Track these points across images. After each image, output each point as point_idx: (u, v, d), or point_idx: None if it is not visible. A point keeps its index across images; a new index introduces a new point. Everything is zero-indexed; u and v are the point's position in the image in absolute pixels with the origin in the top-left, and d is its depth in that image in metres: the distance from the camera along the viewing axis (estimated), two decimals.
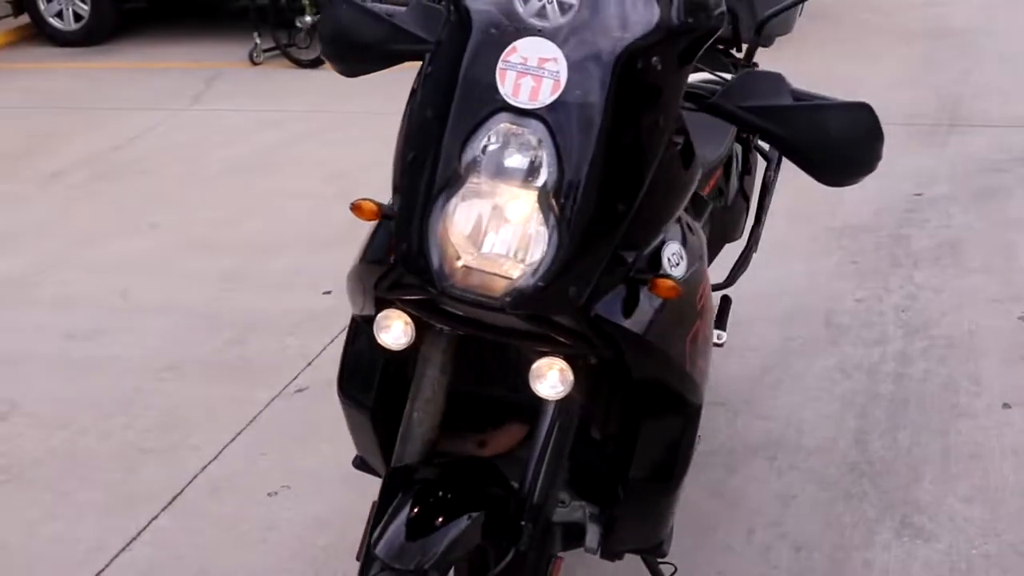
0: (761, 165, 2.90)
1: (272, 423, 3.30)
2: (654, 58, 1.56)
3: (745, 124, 1.79)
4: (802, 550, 2.64)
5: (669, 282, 1.63)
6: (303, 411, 3.35)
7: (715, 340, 2.67)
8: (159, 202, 5.23)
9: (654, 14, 1.57)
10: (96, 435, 3.29)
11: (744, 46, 2.90)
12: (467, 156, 1.56)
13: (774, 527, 2.73)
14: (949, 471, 2.90)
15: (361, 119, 6.23)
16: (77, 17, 8.56)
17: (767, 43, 2.87)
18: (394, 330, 1.73)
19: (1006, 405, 3.17)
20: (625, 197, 1.57)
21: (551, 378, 1.67)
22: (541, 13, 1.57)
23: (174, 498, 2.97)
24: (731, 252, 2.92)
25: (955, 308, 3.76)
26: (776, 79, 1.79)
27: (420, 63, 1.72)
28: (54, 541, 2.84)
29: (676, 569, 2.38)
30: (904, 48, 7.32)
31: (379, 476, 2.06)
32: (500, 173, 1.55)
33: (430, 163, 1.58)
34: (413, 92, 1.69)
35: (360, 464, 2.15)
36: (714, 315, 1.95)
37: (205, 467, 3.09)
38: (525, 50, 1.55)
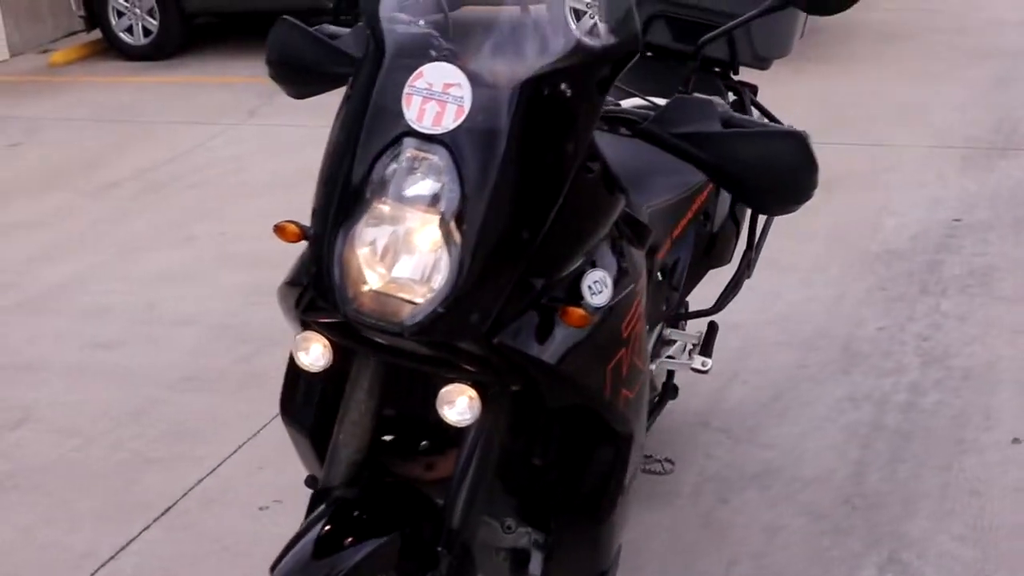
0: None
1: (273, 437, 3.32)
2: (562, 84, 1.56)
3: (675, 150, 1.77)
4: None
5: (579, 311, 1.62)
6: None
7: (699, 367, 2.66)
8: (201, 215, 5.33)
9: (563, 41, 1.57)
10: (105, 444, 3.36)
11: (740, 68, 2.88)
12: (373, 180, 1.57)
13: (756, 559, 2.69)
14: (945, 507, 2.82)
15: None
16: (146, 32, 8.76)
17: (764, 66, 2.84)
18: (312, 352, 1.75)
19: (1016, 440, 3.08)
20: (530, 225, 1.56)
21: (459, 404, 1.67)
22: (449, 38, 1.58)
23: (167, 509, 3.01)
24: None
25: (978, 338, 3.66)
26: (707, 105, 1.78)
27: None
28: (46, 547, 2.90)
29: None
30: (972, 70, 7.16)
31: None
32: (405, 198, 1.56)
33: (340, 186, 1.59)
34: (336, 115, 1.70)
35: (311, 482, 2.16)
36: (646, 344, 1.92)
37: (202, 480, 3.14)
38: (431, 75, 1.56)
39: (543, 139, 1.56)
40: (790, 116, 6.56)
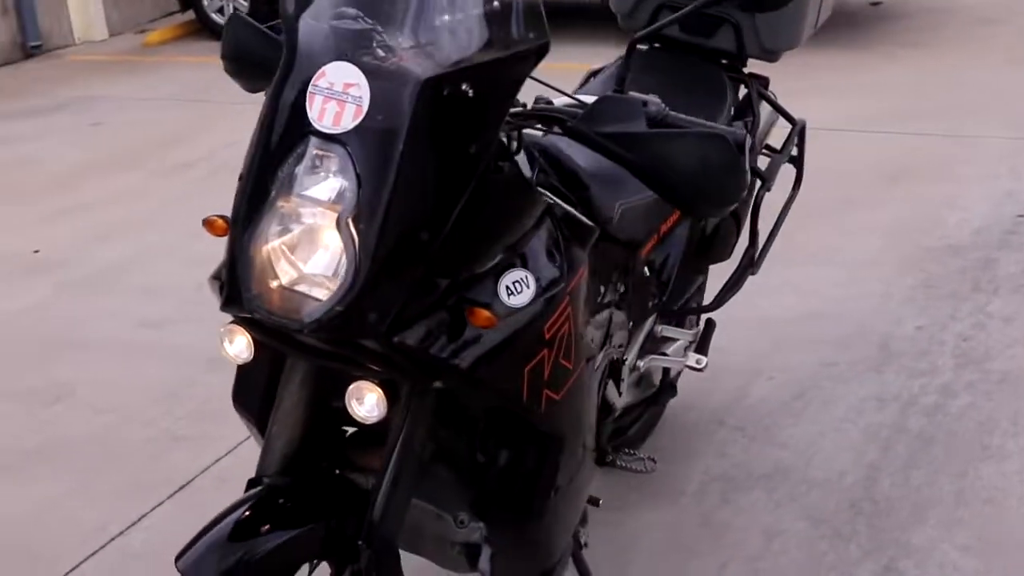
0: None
1: None
2: (463, 84, 1.55)
3: (600, 149, 1.76)
4: None
5: (484, 313, 1.62)
6: None
7: (694, 365, 2.62)
8: None
9: (465, 41, 1.56)
10: (137, 422, 3.46)
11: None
12: (279, 178, 1.59)
13: (750, 562, 2.65)
14: (954, 516, 2.74)
15: None
16: None
17: (772, 58, 2.78)
18: (237, 343, 1.77)
19: None
20: (429, 225, 1.56)
21: (367, 401, 1.68)
22: (352, 38, 1.58)
23: (183, 487, 3.09)
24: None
25: (1020, 340, 3.53)
26: (633, 104, 1.77)
27: None
28: (64, 520, 3.00)
29: None
30: None
31: None
32: (307, 196, 1.58)
33: (250, 183, 1.62)
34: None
35: None
36: (581, 344, 1.89)
37: (220, 459, 3.20)
38: (333, 75, 1.57)
39: (443, 140, 1.56)
40: (877, 103, 6.40)
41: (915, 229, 4.46)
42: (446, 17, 1.58)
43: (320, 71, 1.58)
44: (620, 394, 2.45)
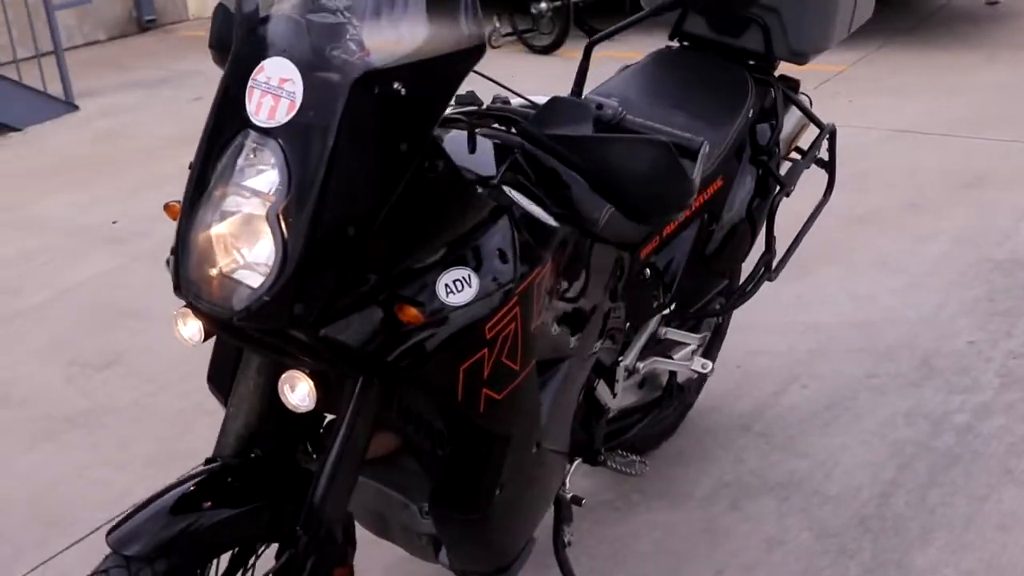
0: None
1: None
2: (395, 83, 1.56)
3: (550, 151, 1.75)
4: None
5: (411, 309, 1.63)
6: None
7: (699, 369, 2.60)
8: None
9: (397, 40, 1.57)
10: (174, 392, 3.56)
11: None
12: (218, 168, 1.63)
13: (745, 570, 2.61)
14: (964, 540, 2.65)
15: None
16: None
17: (801, 61, 2.73)
18: (189, 327, 1.81)
19: None
20: (357, 221, 1.58)
21: (299, 391, 1.71)
22: (289, 32, 1.60)
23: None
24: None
25: None
26: (582, 107, 1.76)
27: None
28: (94, 483, 3.11)
29: None
30: None
31: None
32: (242, 187, 1.61)
33: (195, 171, 1.66)
34: None
35: None
36: (529, 344, 1.87)
37: None
38: (270, 69, 1.60)
39: (373, 137, 1.57)
40: (964, 106, 6.20)
41: (983, 240, 4.31)
42: (381, 15, 1.59)
43: (259, 66, 1.61)
44: (614, 395, 2.43)
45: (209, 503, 1.74)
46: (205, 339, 1.83)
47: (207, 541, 1.73)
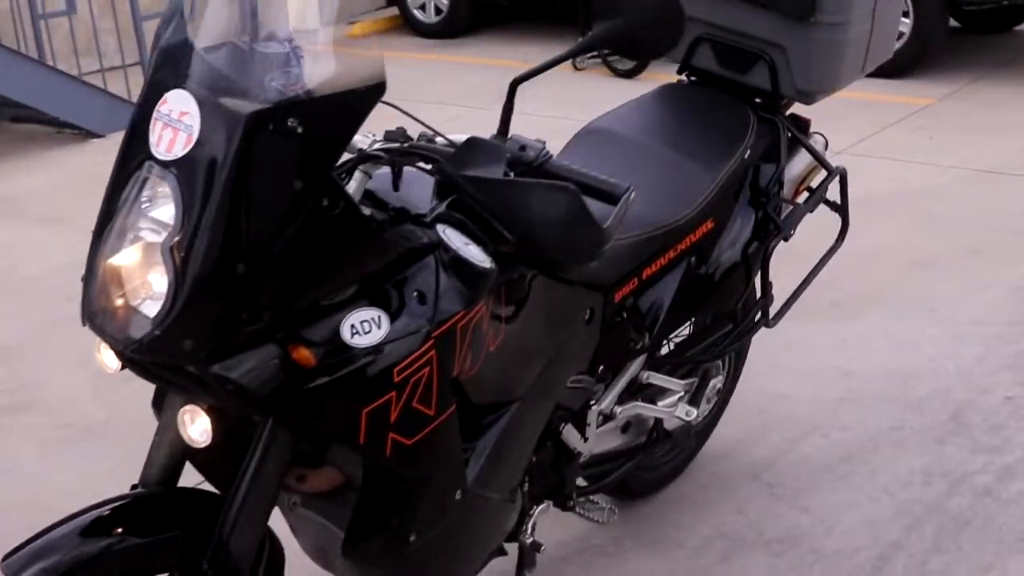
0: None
1: None
2: (291, 120, 1.53)
3: (464, 193, 1.72)
4: None
5: (304, 350, 1.62)
6: None
7: (683, 416, 2.52)
8: None
9: (294, 77, 1.55)
10: None
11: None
12: (122, 199, 1.63)
13: None
14: None
15: None
16: (438, 11, 9.12)
17: (807, 100, 2.64)
18: (105, 354, 1.81)
19: None
20: (246, 259, 1.55)
21: (198, 425, 1.71)
22: (194, 64, 1.60)
23: None
24: None
25: None
26: (495, 149, 1.73)
27: None
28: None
29: None
30: None
31: None
32: (139, 220, 1.61)
33: (105, 201, 1.67)
34: None
35: None
36: (428, 389, 1.80)
37: None
38: (173, 101, 1.61)
39: (266, 174, 1.55)
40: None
41: None
42: (278, 51, 1.58)
43: (163, 97, 1.61)
44: (585, 439, 2.37)
45: (121, 529, 1.74)
46: (122, 367, 1.83)
47: (112, 568, 1.73)
